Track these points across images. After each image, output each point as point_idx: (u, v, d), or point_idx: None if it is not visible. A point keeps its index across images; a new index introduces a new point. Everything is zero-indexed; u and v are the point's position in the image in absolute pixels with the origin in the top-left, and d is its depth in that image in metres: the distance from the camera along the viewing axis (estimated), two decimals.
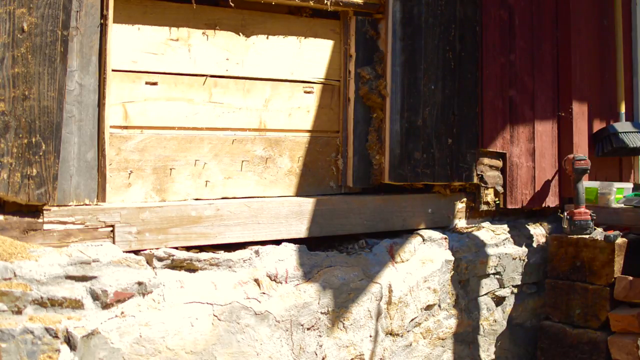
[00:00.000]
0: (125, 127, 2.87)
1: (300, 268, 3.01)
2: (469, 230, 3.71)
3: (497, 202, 3.85)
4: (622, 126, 4.20)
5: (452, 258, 3.51)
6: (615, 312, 3.48)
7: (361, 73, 3.42)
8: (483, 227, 3.77)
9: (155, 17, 2.94)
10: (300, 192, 3.34)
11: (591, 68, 4.21)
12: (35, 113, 2.45)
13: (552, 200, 4.04)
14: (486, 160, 3.80)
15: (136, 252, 2.67)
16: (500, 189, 3.84)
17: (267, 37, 3.24)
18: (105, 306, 2.47)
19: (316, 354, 3.02)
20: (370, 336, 3.19)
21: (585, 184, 3.94)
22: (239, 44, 3.16)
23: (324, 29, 3.42)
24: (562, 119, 4.09)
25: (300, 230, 3.15)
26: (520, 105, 3.92)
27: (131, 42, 2.87)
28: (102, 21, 2.69)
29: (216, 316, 2.72)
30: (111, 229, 2.64)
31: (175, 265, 2.72)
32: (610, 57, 4.33)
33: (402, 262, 3.35)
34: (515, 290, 3.81)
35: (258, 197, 3.19)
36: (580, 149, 4.07)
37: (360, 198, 3.37)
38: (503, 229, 3.83)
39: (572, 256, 3.67)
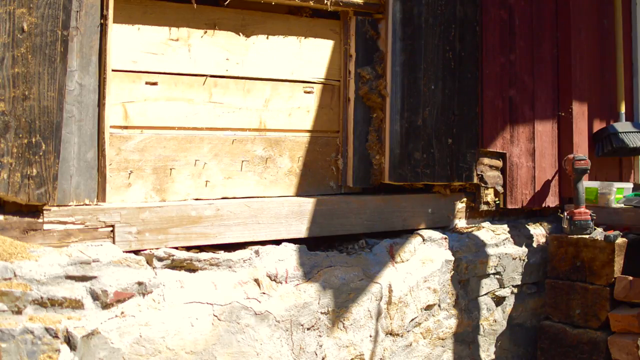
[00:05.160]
0: (125, 127, 2.87)
1: (300, 268, 3.01)
2: (469, 230, 3.71)
3: (497, 202, 3.85)
4: (622, 126, 4.21)
5: (452, 258, 3.51)
6: (615, 312, 3.48)
7: (361, 73, 3.42)
8: (483, 227, 3.77)
9: (155, 17, 2.94)
10: (300, 192, 3.34)
11: (591, 68, 4.21)
12: (35, 113, 2.45)
13: (552, 200, 4.04)
14: (486, 160, 3.80)
15: (136, 252, 2.67)
16: (500, 189, 3.84)
17: (267, 37, 3.24)
18: (105, 306, 2.47)
19: (316, 354, 3.02)
20: (370, 336, 3.19)
21: (585, 184, 3.94)
22: (239, 44, 3.16)
23: (324, 29, 3.42)
24: (562, 119, 4.09)
25: (300, 230, 3.15)
26: (520, 105, 3.92)
27: (131, 42, 2.87)
28: (102, 21, 2.69)
29: (216, 316, 2.72)
30: (111, 229, 2.64)
31: (175, 265, 2.72)
32: (610, 57, 4.33)
33: (402, 262, 3.35)
34: (515, 290, 3.81)
35: (258, 197, 3.19)
36: (580, 149, 4.07)
37: (360, 198, 3.37)
38: (503, 229, 3.83)
39: (572, 256, 3.67)
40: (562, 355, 3.64)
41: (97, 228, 2.61)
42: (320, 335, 3.04)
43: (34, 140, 2.45)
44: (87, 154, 2.67)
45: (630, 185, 4.16)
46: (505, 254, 3.75)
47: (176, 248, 2.78)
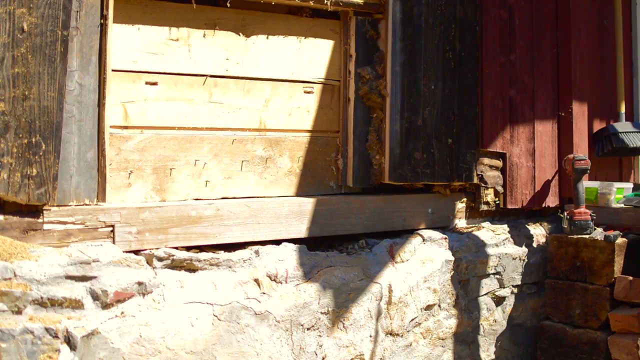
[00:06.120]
0: (125, 127, 2.87)
1: (300, 268, 3.01)
2: (469, 230, 3.71)
3: (497, 202, 3.85)
4: (622, 126, 4.21)
5: (452, 258, 3.51)
6: (615, 312, 3.48)
7: (361, 73, 3.42)
8: (483, 227, 3.77)
9: (155, 17, 2.94)
10: (300, 192, 3.34)
11: (591, 68, 4.21)
12: (35, 113, 2.45)
13: (552, 200, 4.04)
14: (486, 160, 3.80)
15: (136, 252, 2.67)
16: (500, 189, 3.84)
17: (267, 37, 3.24)
18: (105, 306, 2.47)
19: (316, 354, 3.02)
20: (370, 336, 3.19)
21: (585, 184, 3.94)
22: (239, 44, 3.16)
23: (324, 29, 3.42)
24: (562, 119, 4.09)
25: (300, 230, 3.15)
26: (520, 105, 3.92)
27: (131, 42, 2.87)
28: (102, 21, 2.69)
29: (216, 316, 2.72)
30: (111, 229, 2.64)
31: (175, 265, 2.72)
32: (610, 57, 4.33)
33: (402, 262, 3.35)
34: (515, 290, 3.81)
35: (258, 197, 3.19)
36: (580, 149, 4.07)
37: (360, 198, 3.37)
38: (503, 229, 3.83)
39: (572, 256, 3.67)
40: (562, 355, 3.64)
41: (97, 228, 2.61)
42: (320, 335, 3.04)
43: (34, 140, 2.45)
44: (87, 154, 2.67)
45: (630, 185, 4.16)
46: (505, 254, 3.75)
47: (176, 248, 2.78)
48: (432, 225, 3.60)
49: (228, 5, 3.06)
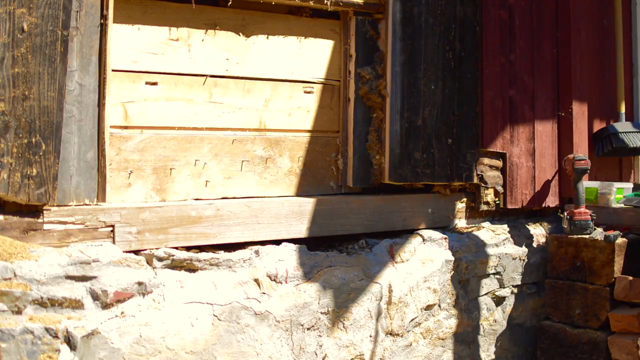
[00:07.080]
0: (125, 127, 2.87)
1: (300, 268, 3.01)
2: (469, 230, 3.71)
3: (497, 202, 3.85)
4: (622, 126, 4.21)
5: (452, 258, 3.51)
6: (615, 312, 3.48)
7: (361, 73, 3.42)
8: (483, 227, 3.77)
9: (155, 17, 2.94)
10: (300, 192, 3.34)
11: (591, 68, 4.21)
12: (35, 113, 2.45)
13: (552, 200, 4.04)
14: (486, 160, 3.80)
15: (136, 252, 2.67)
16: (500, 189, 3.84)
17: (267, 37, 3.24)
18: (105, 306, 2.47)
19: (316, 354, 3.02)
20: (370, 336, 3.19)
21: (585, 184, 3.94)
22: (239, 44, 3.16)
23: (324, 29, 3.42)
24: (562, 119, 4.09)
25: (300, 230, 3.15)
26: (520, 105, 3.92)
27: (131, 42, 2.87)
28: (102, 21, 2.69)
29: (216, 316, 2.72)
30: (111, 229, 2.64)
31: (175, 265, 2.72)
32: (610, 57, 4.33)
33: (402, 262, 3.35)
34: (515, 290, 3.81)
35: (258, 197, 3.19)
36: (580, 149, 4.07)
37: (360, 198, 3.37)
38: (503, 229, 3.83)
39: (572, 256, 3.67)
40: (562, 355, 3.64)
41: (97, 228, 2.61)
42: (320, 335, 3.04)
43: (34, 140, 2.45)
44: (87, 154, 2.67)
45: (630, 185, 4.16)
46: (505, 254, 3.75)
47: (176, 248, 2.78)
48: (432, 225, 3.60)
49: (228, 5, 3.06)
